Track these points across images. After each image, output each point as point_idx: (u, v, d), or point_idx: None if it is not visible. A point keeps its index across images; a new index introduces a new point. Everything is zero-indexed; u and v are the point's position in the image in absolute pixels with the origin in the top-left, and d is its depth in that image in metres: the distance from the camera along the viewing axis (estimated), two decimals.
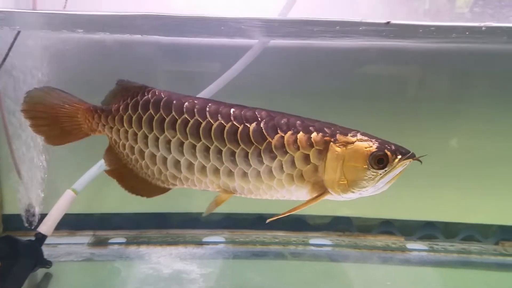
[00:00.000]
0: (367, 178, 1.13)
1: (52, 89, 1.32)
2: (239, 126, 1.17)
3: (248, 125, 1.17)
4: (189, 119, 1.20)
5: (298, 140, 1.15)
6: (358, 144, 1.14)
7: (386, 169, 1.13)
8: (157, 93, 1.26)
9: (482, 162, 2.30)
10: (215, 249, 2.21)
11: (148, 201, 2.25)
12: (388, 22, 1.42)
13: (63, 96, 1.31)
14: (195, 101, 1.23)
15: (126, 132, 1.27)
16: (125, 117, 1.27)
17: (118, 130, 1.28)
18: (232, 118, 1.18)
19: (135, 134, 1.26)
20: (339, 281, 1.97)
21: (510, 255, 2.26)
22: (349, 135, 1.16)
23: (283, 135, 1.16)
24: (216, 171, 1.20)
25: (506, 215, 2.36)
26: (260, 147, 1.16)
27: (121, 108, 1.28)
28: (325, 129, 1.17)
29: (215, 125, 1.18)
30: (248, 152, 1.16)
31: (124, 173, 1.30)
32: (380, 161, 1.12)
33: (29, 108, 1.30)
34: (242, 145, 1.17)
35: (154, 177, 1.27)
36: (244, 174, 1.18)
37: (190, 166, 1.21)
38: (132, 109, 1.26)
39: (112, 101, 1.31)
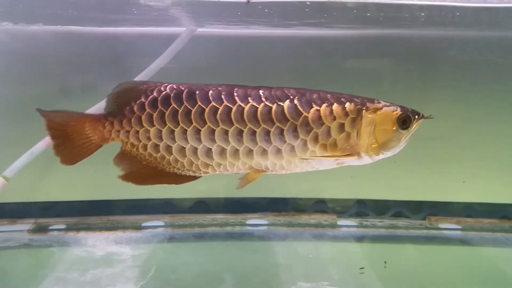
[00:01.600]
0: (395, 139, 1.28)
1: (48, 112, 1.32)
2: (272, 105, 1.24)
3: (282, 104, 1.24)
4: (217, 106, 1.24)
5: (334, 111, 1.25)
6: (386, 109, 1.28)
7: (409, 129, 1.28)
8: (175, 87, 1.28)
9: (415, 140, 2.41)
10: (153, 232, 2.30)
11: (90, 189, 2.39)
12: (248, 1, 1.49)
13: (63, 115, 1.32)
14: (219, 88, 1.27)
15: (147, 131, 1.28)
16: (143, 116, 1.28)
17: (137, 132, 1.29)
18: (263, 99, 1.24)
19: (159, 131, 1.27)
20: (265, 257, 2.07)
21: (434, 228, 2.40)
22: (375, 102, 1.29)
23: (318, 108, 1.25)
24: (250, 152, 1.25)
25: (434, 192, 2.49)
26: (296, 123, 1.24)
27: (136, 108, 1.29)
28: (354, 99, 1.29)
29: (247, 108, 1.23)
30: (283, 129, 1.23)
31: (147, 173, 1.32)
32: (404, 122, 1.27)
33: (49, 124, 1.31)
34: (277, 123, 1.23)
35: (184, 169, 1.30)
36: (278, 151, 1.25)
37: (222, 152, 1.26)
38: (151, 107, 1.27)
39: (116, 106, 1.31)
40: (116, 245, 2.11)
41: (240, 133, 1.24)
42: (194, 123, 1.24)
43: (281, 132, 1.23)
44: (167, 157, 1.29)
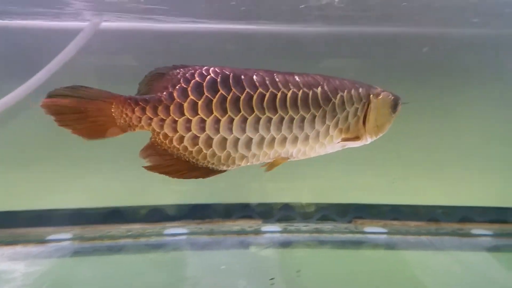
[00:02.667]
0: (389, 121, 1.37)
1: (78, 87, 1.14)
2: (308, 92, 1.23)
3: (316, 90, 1.24)
4: (264, 92, 1.18)
5: (353, 96, 1.29)
6: (383, 94, 1.34)
7: (397, 112, 1.38)
8: (219, 70, 1.17)
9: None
10: (57, 246, 2.10)
11: None
12: None
13: (91, 91, 1.15)
14: (261, 73, 1.20)
15: (189, 121, 1.14)
16: (186, 104, 1.14)
17: (175, 122, 1.14)
18: (301, 85, 1.22)
19: (203, 121, 1.15)
20: (175, 270, 1.92)
21: (359, 232, 2.32)
22: (374, 87, 1.35)
23: (343, 94, 1.27)
24: (284, 140, 1.22)
25: (360, 194, 2.42)
26: (326, 108, 1.24)
27: (176, 95, 1.14)
28: (362, 85, 1.33)
29: (289, 94, 1.20)
30: (316, 115, 1.23)
31: (176, 166, 1.19)
32: (396, 106, 1.36)
33: (51, 103, 1.12)
34: (312, 110, 1.23)
35: (219, 164, 1.20)
36: (306, 137, 1.25)
37: (261, 141, 1.20)
38: (195, 93, 1.14)
39: (150, 90, 1.16)
40: (9, 262, 1.91)
41: (281, 120, 1.20)
42: (242, 111, 1.16)
43: (314, 118, 1.23)
44: (204, 151, 1.17)
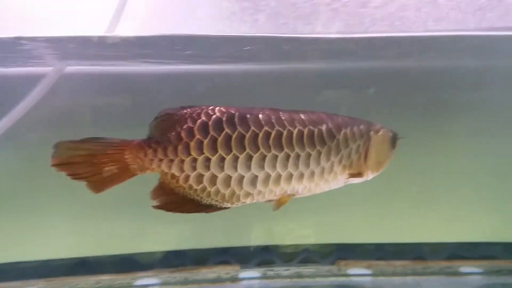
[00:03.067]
0: (389, 157, 1.39)
1: (86, 139, 1.18)
2: (314, 129, 1.25)
3: (321, 127, 1.26)
4: (270, 131, 1.20)
5: (355, 133, 1.31)
6: (383, 130, 1.37)
7: (395, 148, 1.40)
8: (224, 110, 1.20)
9: None
10: None
11: None
12: None
13: (101, 142, 1.18)
14: (266, 112, 1.23)
15: (195, 160, 1.17)
16: (192, 143, 1.17)
17: (182, 162, 1.17)
18: (307, 123, 1.25)
19: (208, 160, 1.17)
20: None
21: (343, 275, 2.19)
22: (376, 125, 1.37)
23: (346, 131, 1.29)
24: (290, 177, 1.23)
25: (342, 233, 2.31)
26: (331, 145, 1.27)
27: (183, 135, 1.17)
28: (362, 121, 1.36)
29: (295, 132, 1.22)
30: (321, 152, 1.25)
31: (181, 203, 1.21)
32: (395, 142, 1.39)
33: (62, 161, 1.16)
34: (318, 147, 1.25)
35: (223, 201, 1.22)
36: (312, 174, 1.26)
37: (266, 179, 1.21)
38: (201, 132, 1.17)
39: (159, 132, 1.19)
40: None
41: (287, 158, 1.22)
42: (248, 149, 1.19)
43: (319, 155, 1.25)
44: (209, 189, 1.20)
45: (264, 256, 2.29)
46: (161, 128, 1.20)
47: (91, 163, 1.16)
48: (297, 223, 2.29)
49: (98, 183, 1.18)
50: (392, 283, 2.08)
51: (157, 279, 2.16)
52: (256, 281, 2.15)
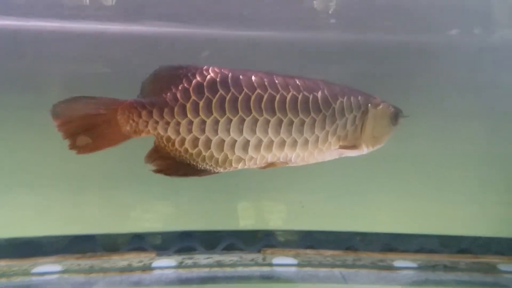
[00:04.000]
0: (388, 133, 1.35)
1: (78, 98, 1.13)
2: (309, 95, 1.21)
3: (316, 94, 1.22)
4: (262, 94, 1.17)
5: (352, 103, 1.27)
6: (383, 105, 1.33)
7: (397, 125, 1.35)
8: (218, 70, 1.17)
9: None
10: None
11: None
12: None
13: (93, 101, 1.14)
14: (260, 75, 1.19)
15: (190, 123, 1.14)
16: (188, 105, 1.14)
17: (178, 124, 1.14)
18: (302, 89, 1.21)
19: (203, 123, 1.14)
20: None
21: (266, 265, 1.99)
22: (374, 97, 1.33)
23: (343, 100, 1.25)
24: (282, 144, 1.20)
25: (271, 219, 2.10)
26: (326, 113, 1.22)
27: (180, 96, 1.14)
28: (362, 93, 1.31)
29: (288, 96, 1.18)
30: (316, 120, 1.21)
31: (179, 167, 1.18)
32: (396, 118, 1.34)
33: (62, 122, 1.13)
34: (312, 114, 1.20)
35: (216, 166, 1.19)
36: (306, 142, 1.22)
37: (258, 144, 1.18)
38: (197, 93, 1.14)
39: (154, 92, 1.15)
40: None
41: (280, 123, 1.18)
42: (240, 112, 1.15)
43: (314, 122, 1.21)
44: (204, 153, 1.17)
45: (185, 242, 2.08)
46: (155, 87, 1.15)
47: (83, 123, 1.13)
48: (223, 207, 2.07)
49: (91, 147, 1.15)
50: (317, 275, 1.90)
51: (60, 266, 1.93)
52: (171, 271, 1.94)
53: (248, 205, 2.08)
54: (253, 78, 1.17)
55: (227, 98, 1.15)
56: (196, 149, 1.16)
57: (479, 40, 1.87)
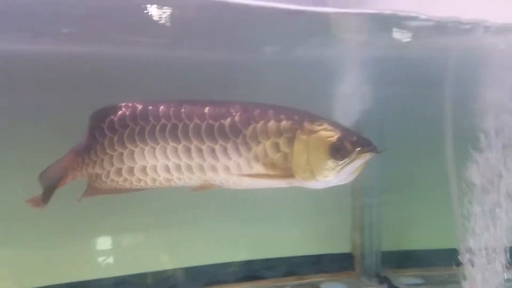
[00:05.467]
0: (328, 168, 1.14)
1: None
2: (214, 123, 1.20)
3: (224, 121, 1.20)
4: (166, 123, 1.21)
5: (268, 128, 1.18)
6: (322, 133, 1.16)
7: (345, 160, 1.13)
8: (131, 105, 1.25)
9: None
10: None
11: None
12: None
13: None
14: (170, 104, 1.23)
15: (111, 157, 1.24)
16: (106, 142, 1.23)
17: (102, 161, 1.25)
18: (207, 117, 1.21)
19: (121, 155, 1.23)
20: None
21: None
22: (315, 123, 1.17)
23: (256, 125, 1.19)
24: (201, 167, 1.21)
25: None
26: (237, 140, 1.19)
27: (97, 135, 1.24)
28: (295, 117, 1.18)
29: (191, 125, 1.21)
30: (226, 147, 1.20)
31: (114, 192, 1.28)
32: (337, 152, 1.13)
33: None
34: (220, 141, 1.20)
35: (147, 186, 1.25)
36: (227, 168, 1.21)
37: (177, 167, 1.22)
38: (110, 130, 1.23)
39: (86, 139, 1.26)
40: None
41: (188, 150, 1.21)
42: (149, 142, 1.22)
43: (225, 149, 1.20)
44: (130, 179, 1.25)
45: None
46: (86, 134, 1.26)
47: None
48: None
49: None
50: None
51: None
52: None
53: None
54: (160, 108, 1.22)
55: (136, 130, 1.22)
56: (121, 177, 1.25)
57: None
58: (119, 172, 1.24)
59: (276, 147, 1.18)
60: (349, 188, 1.97)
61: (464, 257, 1.26)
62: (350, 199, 1.99)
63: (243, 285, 1.87)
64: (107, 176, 1.25)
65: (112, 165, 1.23)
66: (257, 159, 1.19)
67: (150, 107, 1.23)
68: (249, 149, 1.19)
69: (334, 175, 1.14)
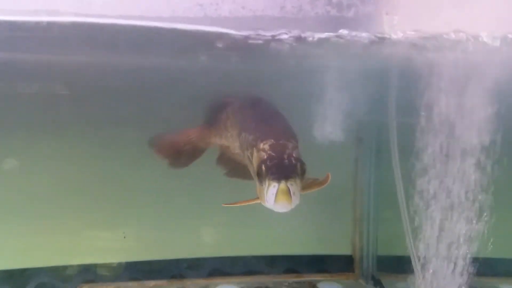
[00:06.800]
0: (259, 188, 1.07)
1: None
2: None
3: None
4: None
5: (246, 141, 1.22)
6: (260, 153, 1.11)
7: (262, 183, 1.04)
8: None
9: None
10: None
11: None
12: None
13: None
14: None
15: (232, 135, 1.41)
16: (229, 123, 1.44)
17: (227, 136, 1.44)
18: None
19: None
20: None
21: None
22: (263, 142, 1.12)
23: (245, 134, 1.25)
24: None
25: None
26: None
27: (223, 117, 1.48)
28: (258, 133, 1.17)
29: None
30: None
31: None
32: (259, 175, 1.05)
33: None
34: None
35: None
36: None
37: None
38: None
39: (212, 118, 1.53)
40: None
41: None
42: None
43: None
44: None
45: None
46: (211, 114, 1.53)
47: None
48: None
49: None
50: None
51: None
52: None
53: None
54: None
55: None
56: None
57: None
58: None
59: (250, 160, 1.17)
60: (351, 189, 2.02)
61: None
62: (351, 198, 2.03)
63: (244, 278, 1.98)
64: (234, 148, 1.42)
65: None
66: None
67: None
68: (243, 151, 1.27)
69: (263, 198, 1.03)
